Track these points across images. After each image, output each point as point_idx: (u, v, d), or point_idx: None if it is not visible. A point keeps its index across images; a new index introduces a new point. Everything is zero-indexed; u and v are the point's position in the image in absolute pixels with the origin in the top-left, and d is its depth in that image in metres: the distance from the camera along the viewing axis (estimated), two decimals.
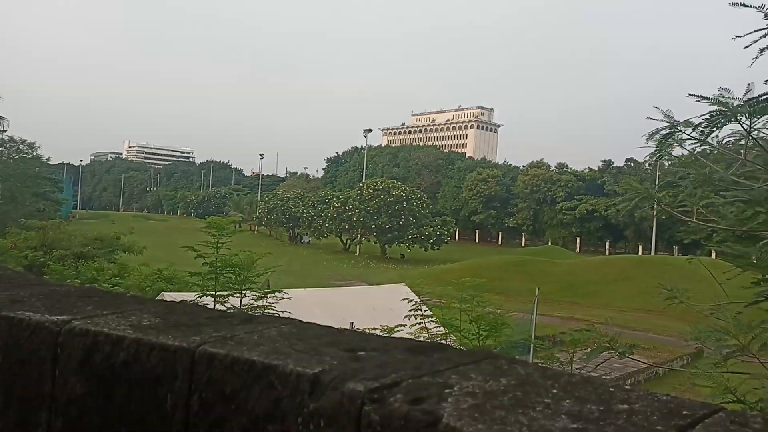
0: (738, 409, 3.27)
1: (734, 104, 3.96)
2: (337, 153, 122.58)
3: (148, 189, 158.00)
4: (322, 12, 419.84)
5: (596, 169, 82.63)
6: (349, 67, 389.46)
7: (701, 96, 3.59)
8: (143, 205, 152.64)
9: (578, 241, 78.80)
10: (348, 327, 11.99)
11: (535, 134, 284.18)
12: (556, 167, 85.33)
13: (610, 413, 0.67)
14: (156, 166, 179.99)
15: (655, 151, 5.59)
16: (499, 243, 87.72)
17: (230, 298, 8.50)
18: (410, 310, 11.67)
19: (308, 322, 1.17)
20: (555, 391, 0.74)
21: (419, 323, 11.58)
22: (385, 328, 7.25)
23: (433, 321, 11.93)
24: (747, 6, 3.26)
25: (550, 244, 76.22)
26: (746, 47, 3.34)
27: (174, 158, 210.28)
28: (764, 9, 3.26)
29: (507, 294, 32.35)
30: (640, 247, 72.59)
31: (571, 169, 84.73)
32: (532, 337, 16.63)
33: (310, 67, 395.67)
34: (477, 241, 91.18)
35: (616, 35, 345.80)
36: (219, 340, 0.99)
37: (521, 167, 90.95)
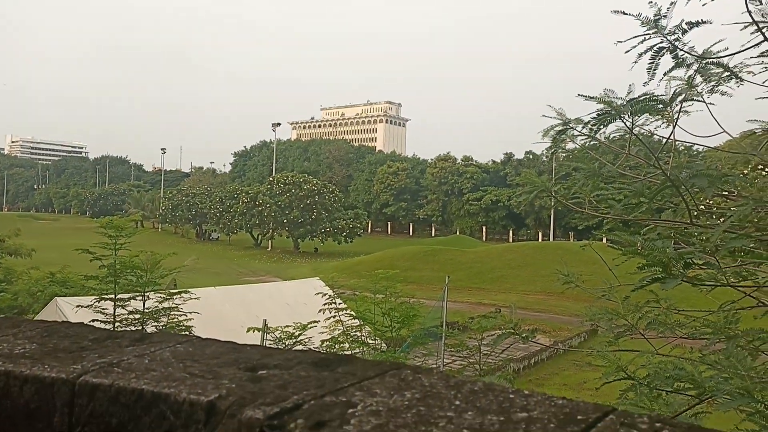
0: (629, 384, 3.54)
1: (618, 104, 4.25)
2: (245, 147, 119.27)
3: (36, 187, 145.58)
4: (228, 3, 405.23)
5: (499, 161, 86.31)
6: (255, 59, 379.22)
7: (588, 96, 3.84)
8: (31, 204, 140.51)
9: (484, 230, 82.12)
10: (261, 324, 11.72)
11: (440, 129, 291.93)
12: (462, 160, 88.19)
13: (510, 423, 0.68)
14: (44, 162, 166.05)
15: (550, 146, 5.92)
16: (410, 234, 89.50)
17: (132, 301, 8.01)
18: (324, 304, 11.60)
19: (207, 339, 1.10)
20: (458, 402, 0.73)
21: (333, 316, 11.54)
22: (299, 325, 7.13)
23: (347, 314, 11.94)
24: (627, 14, 3.52)
25: (458, 233, 78.90)
26: (627, 52, 3.59)
27: (65, 153, 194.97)
28: (641, 17, 3.54)
29: (419, 283, 33.14)
30: (540, 234, 76.96)
31: (475, 161, 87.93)
32: (444, 324, 17.16)
33: (211, 59, 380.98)
34: (389, 232, 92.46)
35: (515, 34, 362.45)
36: (104, 367, 0.90)
37: (429, 160, 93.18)
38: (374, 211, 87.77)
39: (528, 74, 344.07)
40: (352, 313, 11.82)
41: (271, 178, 67.89)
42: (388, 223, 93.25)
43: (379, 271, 14.64)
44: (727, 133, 5.68)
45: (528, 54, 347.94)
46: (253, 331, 8.57)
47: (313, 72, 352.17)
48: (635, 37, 3.46)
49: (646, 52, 3.55)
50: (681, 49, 3.64)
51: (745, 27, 3.63)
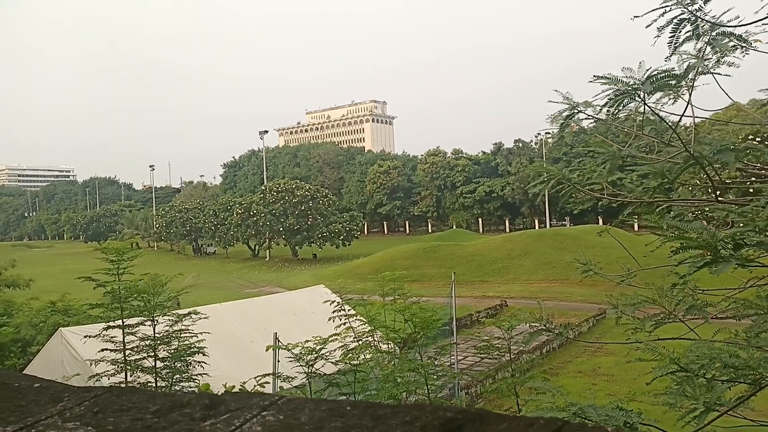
0: (682, 377, 3.36)
1: (632, 83, 4.08)
2: (233, 158, 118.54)
3: (26, 215, 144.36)
4: (206, 13, 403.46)
5: (489, 152, 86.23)
6: (237, 66, 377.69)
7: (601, 76, 3.67)
8: (23, 232, 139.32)
9: (480, 222, 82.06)
10: (272, 338, 11.50)
11: (427, 124, 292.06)
12: (452, 153, 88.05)
13: None
14: (33, 189, 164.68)
15: (558, 130, 5.75)
16: (407, 232, 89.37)
17: (140, 326, 7.78)
18: (333, 312, 11.40)
19: (295, 399, 0.91)
20: None
21: (343, 323, 11.34)
22: (319, 339, 6.91)
23: (357, 319, 11.74)
24: None
25: (454, 227, 78.80)
26: (647, 26, 3.43)
27: (53, 179, 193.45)
28: None
29: (421, 281, 32.95)
30: (537, 221, 76.98)
31: (466, 154, 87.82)
32: (454, 319, 16.99)
33: (194, 72, 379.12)
34: (385, 232, 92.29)
35: (496, 24, 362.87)
36: None
37: (419, 156, 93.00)
38: (369, 211, 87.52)
39: (513, 62, 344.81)
40: (362, 318, 11.63)
41: (263, 187, 67.44)
42: (384, 222, 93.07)
43: (386, 273, 14.48)
44: (740, 105, 5.47)
45: (512, 40, 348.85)
46: (277, 350, 8.33)
47: (297, 76, 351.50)
48: (655, 9, 3.30)
49: (666, 25, 3.39)
50: (704, 19, 3.47)
51: None
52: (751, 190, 4.82)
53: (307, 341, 6.74)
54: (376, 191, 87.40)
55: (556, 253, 37.62)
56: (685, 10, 3.47)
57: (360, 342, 9.86)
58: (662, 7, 3.75)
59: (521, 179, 75.63)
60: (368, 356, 8.96)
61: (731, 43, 3.43)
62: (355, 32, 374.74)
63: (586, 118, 5.34)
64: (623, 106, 4.44)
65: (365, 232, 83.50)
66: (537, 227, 72.62)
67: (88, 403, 0.97)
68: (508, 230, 75.48)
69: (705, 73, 3.59)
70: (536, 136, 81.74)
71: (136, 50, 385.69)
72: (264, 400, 0.92)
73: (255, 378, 8.02)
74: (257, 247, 67.51)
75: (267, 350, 8.45)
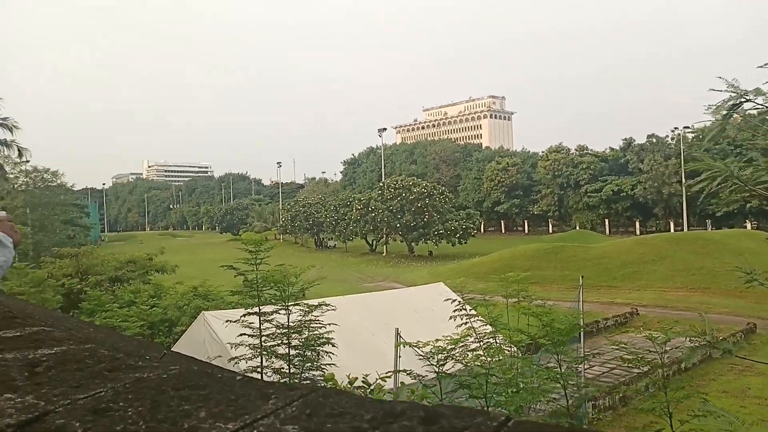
0: None
1: None
2: (353, 155, 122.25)
3: (171, 207, 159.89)
4: (321, 14, 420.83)
5: (617, 148, 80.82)
6: (351, 66, 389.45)
7: None
8: (168, 222, 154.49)
9: (606, 223, 77.32)
10: (393, 333, 11.63)
11: (548, 119, 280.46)
12: (576, 150, 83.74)
13: None
14: (177, 184, 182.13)
15: (721, 122, 5.16)
16: (526, 232, 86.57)
17: (275, 314, 8.20)
18: (454, 311, 11.26)
19: (522, 420, 0.80)
20: None
21: (465, 323, 11.17)
22: (450, 338, 6.79)
23: (478, 319, 11.50)
24: None
25: (577, 228, 74.87)
26: None
27: (193, 174, 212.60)
28: None
29: (542, 283, 31.65)
30: (672, 224, 70.93)
31: (592, 150, 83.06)
32: (582, 323, 16.10)
33: (312, 72, 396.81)
34: (503, 231, 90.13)
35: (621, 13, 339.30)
36: None
37: (540, 153, 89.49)
38: (486, 209, 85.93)
39: (638, 55, 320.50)
40: (483, 319, 11.37)
41: (381, 184, 68.85)
42: (501, 221, 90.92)
43: (509, 274, 14.04)
44: None
45: (638, 29, 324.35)
46: (403, 346, 8.39)
47: (414, 73, 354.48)
48: None
49: None
50: None
51: None
52: None
53: (437, 340, 6.66)
54: (493, 189, 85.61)
55: (697, 258, 34.34)
56: None
57: (481, 343, 9.64)
58: None
59: (655, 177, 70.02)
60: (492, 358, 8.70)
61: None
62: (474, 27, 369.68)
63: (758, 107, 4.79)
64: None
65: (482, 230, 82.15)
66: (672, 230, 66.88)
67: (298, 404, 0.92)
68: (638, 233, 70.38)
69: None
70: (672, 131, 75.30)
71: (270, 52, 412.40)
72: (492, 419, 0.82)
73: (377, 372, 8.14)
74: (375, 242, 69.12)
75: (397, 347, 8.50)
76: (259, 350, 7.88)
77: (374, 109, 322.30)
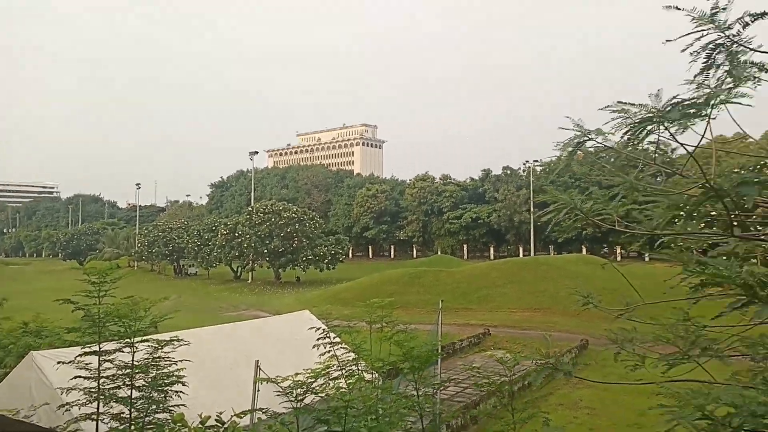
0: (705, 425, 3.10)
1: (653, 111, 3.91)
2: (221, 178, 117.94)
3: (5, 231, 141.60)
4: (198, 32, 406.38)
5: (476, 178, 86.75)
6: (229, 85, 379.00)
7: (629, 103, 3.50)
8: (0, 249, 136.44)
9: (465, 248, 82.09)
10: (254, 364, 11.06)
11: (416, 149, 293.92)
12: (440, 179, 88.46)
13: None
14: (14, 205, 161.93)
15: (565, 157, 5.59)
16: (392, 256, 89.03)
17: (118, 353, 7.36)
18: (318, 339, 11.04)
19: None
20: None
21: (328, 351, 10.98)
22: (310, 372, 6.53)
23: (342, 347, 11.38)
24: (679, 9, 3.16)
25: (439, 253, 78.70)
26: (683, 51, 3.26)
27: (35, 194, 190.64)
28: (694, 12, 3.19)
29: (406, 307, 32.52)
30: (521, 249, 77.18)
31: (454, 179, 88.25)
32: (438, 348, 16.63)
33: (184, 90, 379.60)
34: (370, 256, 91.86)
35: (486, 50, 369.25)
36: None
37: (408, 181, 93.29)
38: (355, 235, 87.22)
39: (503, 89, 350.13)
40: (346, 347, 11.28)
41: (249, 208, 66.88)
42: (369, 246, 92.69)
43: (374, 300, 14.14)
44: (750, 137, 5.37)
45: (502, 67, 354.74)
46: (260, 382, 7.91)
47: (288, 98, 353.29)
48: (689, 33, 3.14)
49: (701, 50, 3.23)
50: (742, 44, 3.31)
51: None
52: None
53: (297, 374, 6.39)
54: (362, 215, 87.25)
55: (541, 282, 37.51)
56: (722, 35, 3.32)
57: (343, 371, 9.51)
58: (697, 31, 3.58)
59: (508, 206, 75.97)
60: (351, 386, 8.60)
61: (754, 71, 3.29)
62: (348, 57, 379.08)
63: (594, 146, 5.17)
64: (645, 134, 4.27)
65: (350, 255, 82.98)
66: (521, 254, 72.78)
67: None
68: (492, 257, 75.51)
69: (725, 102, 3.46)
70: (524, 164, 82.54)
71: (125, 68, 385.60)
72: None
73: (234, 409, 7.62)
74: (240, 269, 66.65)
75: (255, 381, 8.04)
76: (95, 394, 7.01)
77: (247, 133, 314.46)
